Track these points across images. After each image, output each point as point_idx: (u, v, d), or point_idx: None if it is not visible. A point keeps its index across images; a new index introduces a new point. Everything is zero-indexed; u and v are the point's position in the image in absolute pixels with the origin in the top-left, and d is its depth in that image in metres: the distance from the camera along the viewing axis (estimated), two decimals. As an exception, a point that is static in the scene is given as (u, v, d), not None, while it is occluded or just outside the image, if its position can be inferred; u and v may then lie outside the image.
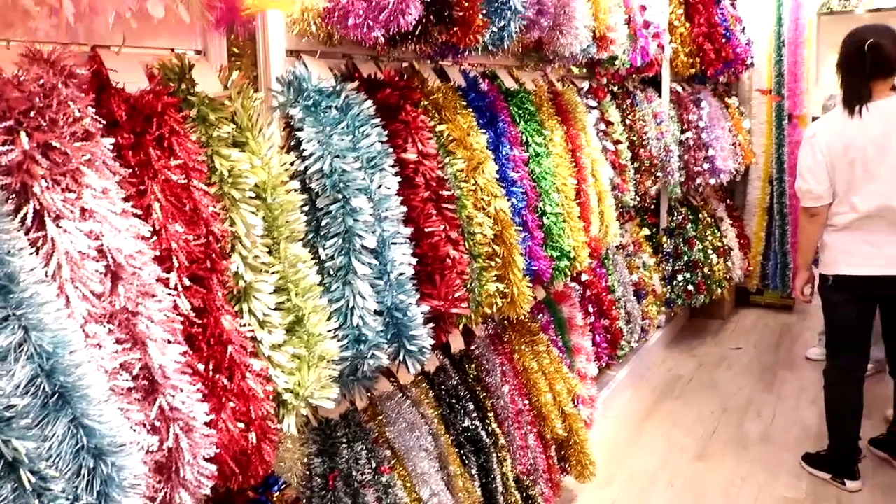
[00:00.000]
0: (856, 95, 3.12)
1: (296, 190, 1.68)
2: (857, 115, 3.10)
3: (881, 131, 3.07)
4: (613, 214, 3.14)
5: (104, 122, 1.36)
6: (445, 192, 2.01)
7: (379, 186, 1.83)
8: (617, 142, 3.91)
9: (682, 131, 4.92)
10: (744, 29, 5.77)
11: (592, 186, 2.94)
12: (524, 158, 2.48)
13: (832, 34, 5.34)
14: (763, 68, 6.17)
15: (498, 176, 2.29)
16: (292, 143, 1.82)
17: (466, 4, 2.01)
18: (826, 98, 4.20)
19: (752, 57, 5.76)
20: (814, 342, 5.32)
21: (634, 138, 4.19)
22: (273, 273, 1.60)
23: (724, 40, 4.99)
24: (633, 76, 4.53)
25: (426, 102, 2.14)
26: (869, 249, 3.17)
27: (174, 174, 1.45)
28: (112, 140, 1.36)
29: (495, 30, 2.21)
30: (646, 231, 4.93)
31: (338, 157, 1.77)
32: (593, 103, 3.84)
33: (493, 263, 2.22)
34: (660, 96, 4.79)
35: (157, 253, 1.37)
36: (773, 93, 6.10)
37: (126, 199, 1.34)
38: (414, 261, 1.89)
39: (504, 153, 2.36)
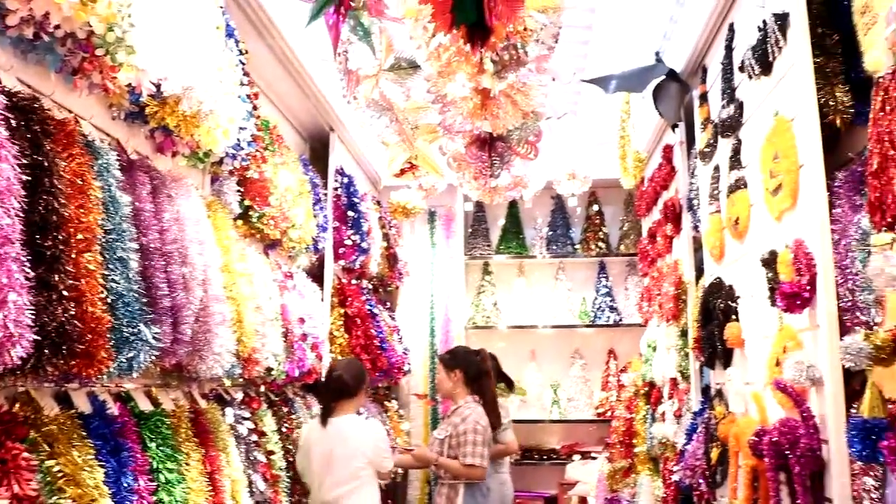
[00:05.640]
0: (322, 411, 3.93)
1: None
2: (323, 427, 3.83)
3: (332, 446, 3.74)
4: (254, 538, 3.05)
5: None
6: (45, 540, 1.85)
7: (-43, 540, 1.64)
8: (270, 452, 3.88)
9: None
10: (401, 339, 6.26)
11: (231, 510, 2.86)
12: (150, 488, 2.37)
13: (478, 344, 6.00)
14: (420, 374, 6.67)
15: (116, 513, 2.16)
16: None
17: (89, 338, 1.99)
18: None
19: (409, 364, 6.20)
20: None
21: (290, 446, 4.20)
22: None
23: (379, 351, 5.35)
24: (293, 383, 4.63)
25: (36, 435, 2.01)
26: None
27: None
28: None
29: (124, 360, 2.19)
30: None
31: None
32: (246, 414, 3.83)
33: None
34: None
35: None
36: (429, 397, 6.57)
37: None
38: None
39: (126, 485, 2.24)
